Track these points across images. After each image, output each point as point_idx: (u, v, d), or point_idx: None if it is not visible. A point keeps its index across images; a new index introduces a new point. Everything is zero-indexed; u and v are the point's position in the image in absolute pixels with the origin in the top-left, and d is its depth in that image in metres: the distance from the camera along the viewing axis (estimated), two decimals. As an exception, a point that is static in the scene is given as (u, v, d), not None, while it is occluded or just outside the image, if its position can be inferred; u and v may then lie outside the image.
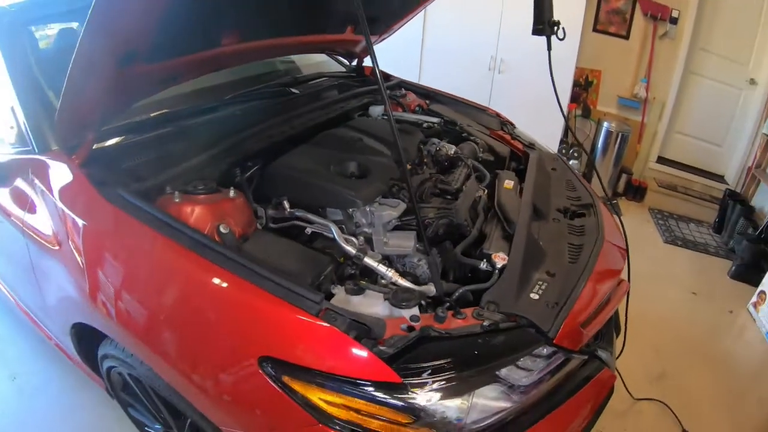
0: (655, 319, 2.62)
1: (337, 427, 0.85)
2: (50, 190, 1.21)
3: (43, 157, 1.25)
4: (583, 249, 1.29)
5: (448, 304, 1.00)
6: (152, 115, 1.44)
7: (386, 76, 2.29)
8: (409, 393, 0.85)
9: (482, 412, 0.90)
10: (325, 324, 0.87)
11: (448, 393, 0.87)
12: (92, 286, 1.09)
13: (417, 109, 2.08)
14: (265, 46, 1.59)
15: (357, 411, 0.85)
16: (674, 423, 1.96)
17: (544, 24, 1.40)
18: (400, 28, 2.15)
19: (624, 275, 1.46)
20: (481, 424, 0.90)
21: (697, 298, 2.93)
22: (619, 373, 1.92)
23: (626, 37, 3.94)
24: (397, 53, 2.38)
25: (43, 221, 1.24)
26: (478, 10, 3.64)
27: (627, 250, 1.49)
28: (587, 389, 1.07)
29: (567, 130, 3.98)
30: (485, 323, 0.95)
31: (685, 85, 4.02)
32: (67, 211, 1.15)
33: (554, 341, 0.97)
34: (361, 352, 0.85)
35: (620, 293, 1.32)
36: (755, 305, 2.78)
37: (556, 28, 1.41)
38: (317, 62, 2.32)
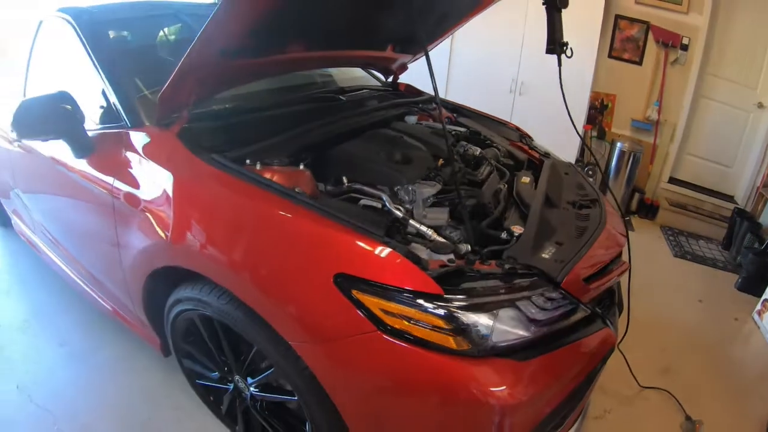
0: (661, 322, 2.78)
1: (390, 334, 1.08)
2: (148, 155, 1.49)
3: (139, 131, 1.55)
4: (587, 229, 1.53)
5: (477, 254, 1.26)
6: (231, 105, 1.76)
7: (419, 92, 2.59)
8: (449, 303, 1.09)
9: (504, 334, 1.12)
10: (388, 249, 1.12)
11: (477, 308, 1.10)
12: (186, 228, 1.34)
13: (446, 120, 2.36)
14: (322, 56, 1.92)
15: (408, 319, 1.08)
16: (678, 410, 2.10)
17: (555, 44, 1.66)
18: (432, 49, 2.45)
19: (625, 258, 1.69)
20: (503, 344, 1.12)
21: (704, 305, 3.09)
22: (626, 361, 2.14)
23: (639, 63, 4.20)
24: (427, 74, 2.67)
25: (134, 181, 1.50)
26: (501, 35, 3.95)
27: (627, 237, 1.72)
28: (591, 338, 1.29)
29: (582, 150, 4.23)
30: (506, 266, 1.20)
31: (695, 109, 4.22)
32: (164, 169, 1.42)
33: (561, 285, 1.21)
34: (413, 271, 1.10)
35: (620, 269, 1.55)
36: (759, 313, 2.93)
37: (565, 47, 1.67)
38: (354, 76, 2.61)
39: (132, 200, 1.51)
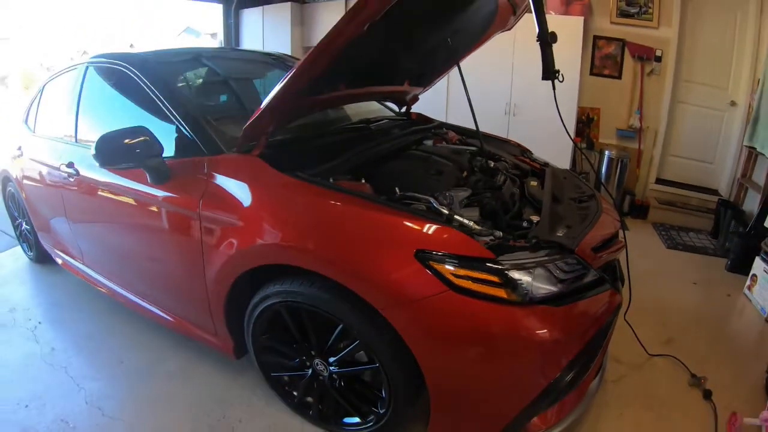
0: (661, 302, 3.11)
1: (459, 291, 1.43)
2: (234, 176, 1.81)
3: (220, 157, 1.88)
4: (588, 215, 1.92)
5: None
6: (293, 135, 2.16)
7: (430, 119, 3.00)
8: (500, 264, 1.46)
9: (539, 289, 1.48)
10: (452, 230, 1.51)
11: (519, 267, 1.47)
12: (287, 229, 1.67)
13: (457, 141, 2.77)
14: (358, 93, 2.36)
15: (471, 279, 1.43)
16: (684, 371, 2.37)
17: (550, 72, 2.08)
18: (439, 81, 2.88)
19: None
20: (539, 295, 1.48)
21: (698, 287, 3.43)
22: (634, 331, 2.48)
23: (619, 77, 4.68)
24: (426, 102, 3.13)
25: (223, 199, 1.80)
26: (493, 63, 4.41)
27: (622, 222, 2.11)
28: (602, 296, 1.66)
29: (574, 161, 4.66)
30: (533, 241, 1.58)
31: (673, 113, 4.66)
32: (254, 186, 1.75)
33: (575, 251, 1.59)
34: (472, 243, 1.49)
35: (617, 245, 1.95)
36: (749, 287, 3.26)
37: (557, 74, 2.08)
38: (370, 110, 3.01)
39: (222, 215, 1.81)
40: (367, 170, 1.97)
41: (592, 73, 4.72)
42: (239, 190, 1.81)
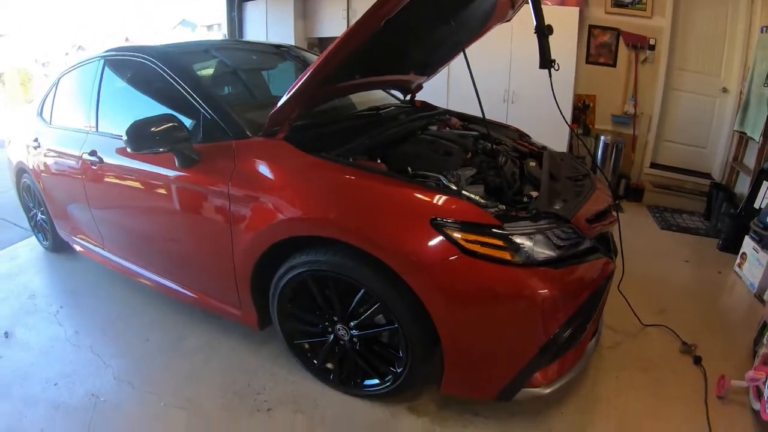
0: (654, 278, 3.32)
1: (470, 255, 1.63)
2: (262, 158, 1.99)
3: (247, 141, 2.06)
4: (583, 191, 2.14)
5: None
6: (313, 120, 2.36)
7: (434, 107, 3.20)
8: (505, 230, 1.67)
9: (539, 253, 1.68)
10: (463, 200, 1.72)
11: (521, 233, 1.68)
12: (314, 203, 1.86)
13: (460, 127, 2.97)
14: (369, 81, 2.55)
15: (480, 243, 1.64)
16: (676, 339, 2.56)
17: (547, 62, 2.27)
18: (442, 70, 3.07)
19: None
20: (539, 258, 1.67)
21: (690, 264, 3.65)
22: (628, 301, 2.69)
23: (614, 65, 4.91)
24: (429, 90, 3.33)
25: (251, 179, 1.97)
26: (492, 53, 4.61)
27: (614, 200, 2.32)
28: (596, 262, 1.86)
29: (570, 146, 4.87)
30: (533, 212, 1.78)
31: (667, 100, 4.89)
32: (281, 166, 1.95)
33: (570, 221, 1.80)
34: (480, 213, 1.70)
35: (610, 219, 2.17)
36: (739, 265, 3.48)
37: (553, 63, 2.28)
38: (376, 97, 3.19)
39: (251, 193, 1.99)
40: (380, 152, 2.17)
41: (588, 62, 4.95)
42: (267, 170, 2.00)
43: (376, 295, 1.85)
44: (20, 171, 3.71)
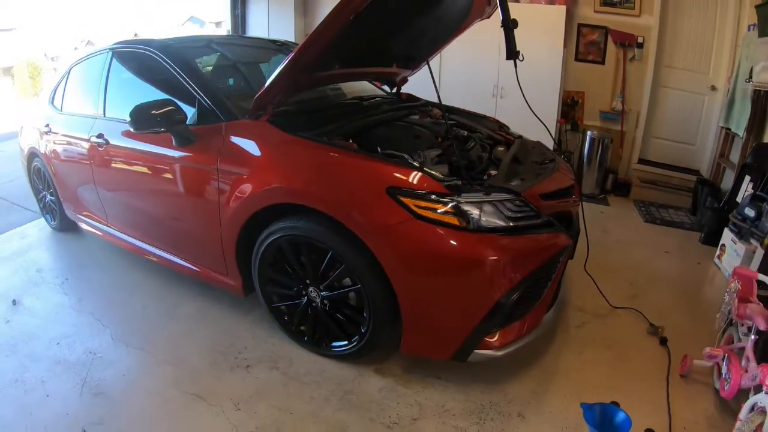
0: (630, 265, 3.47)
1: (421, 219, 1.84)
2: (248, 137, 2.24)
3: (236, 122, 2.31)
4: (544, 173, 2.34)
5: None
6: (297, 105, 2.58)
7: (417, 98, 3.41)
8: (454, 198, 1.88)
9: (488, 222, 1.89)
10: (418, 172, 1.93)
11: (470, 202, 1.89)
12: (290, 175, 2.09)
13: (440, 117, 3.18)
14: (351, 72, 2.78)
15: (431, 209, 1.85)
16: (644, 323, 2.69)
17: (512, 52, 2.47)
18: (426, 64, 3.28)
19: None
20: (487, 226, 1.88)
21: (670, 255, 3.79)
22: (596, 283, 2.85)
23: (602, 63, 5.09)
24: (420, 85, 3.54)
25: (238, 155, 2.23)
26: (481, 48, 4.81)
27: (576, 180, 2.52)
28: (548, 236, 2.06)
29: (559, 140, 5.05)
30: (486, 184, 2.00)
31: (655, 97, 5.04)
32: (264, 144, 2.19)
33: (521, 195, 2.00)
34: (433, 183, 1.91)
35: (571, 200, 2.37)
36: (719, 257, 3.61)
37: (519, 54, 2.48)
38: (363, 89, 3.44)
39: (237, 167, 2.24)
40: (355, 135, 2.39)
41: (577, 59, 5.13)
42: (251, 147, 2.26)
43: (342, 257, 2.06)
44: (31, 155, 3.99)
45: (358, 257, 2.01)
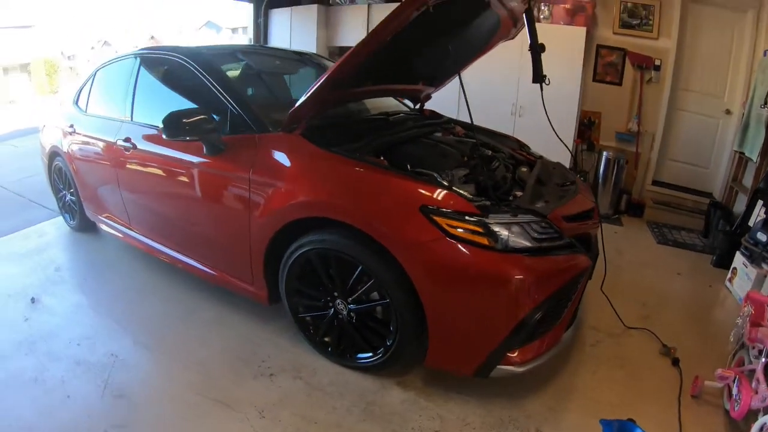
0: (643, 286, 3.53)
1: (452, 238, 1.91)
2: (282, 150, 2.31)
3: (269, 135, 2.37)
4: (566, 195, 2.41)
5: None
6: (328, 120, 2.65)
7: (440, 115, 3.48)
8: (484, 219, 1.94)
9: (515, 242, 1.95)
10: (449, 191, 2.00)
11: (498, 223, 1.95)
12: (323, 189, 2.16)
13: (463, 135, 3.25)
14: (380, 89, 2.87)
15: (462, 228, 1.91)
16: (657, 342, 2.74)
17: (539, 76, 2.55)
18: (449, 82, 3.37)
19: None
20: (515, 247, 1.95)
21: (682, 277, 3.84)
22: (611, 303, 2.92)
23: (620, 84, 5.16)
24: (441, 102, 3.64)
25: (271, 167, 2.29)
26: (501, 68, 4.89)
27: (596, 202, 2.59)
28: (570, 257, 2.13)
29: (575, 160, 5.12)
30: (513, 205, 2.06)
31: (671, 119, 5.11)
32: (297, 157, 2.26)
33: (547, 218, 2.07)
34: (463, 203, 1.98)
35: (591, 222, 2.43)
36: (730, 280, 3.65)
37: (545, 78, 2.56)
38: (388, 105, 3.51)
39: (269, 179, 2.31)
40: (384, 151, 2.46)
41: (594, 80, 5.21)
42: (285, 160, 2.32)
43: (372, 272, 2.13)
44: (53, 154, 4.06)
45: (389, 272, 2.07)
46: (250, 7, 7.00)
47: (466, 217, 1.96)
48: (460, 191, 2.08)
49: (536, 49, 2.51)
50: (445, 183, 2.15)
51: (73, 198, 3.95)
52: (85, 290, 3.21)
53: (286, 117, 2.35)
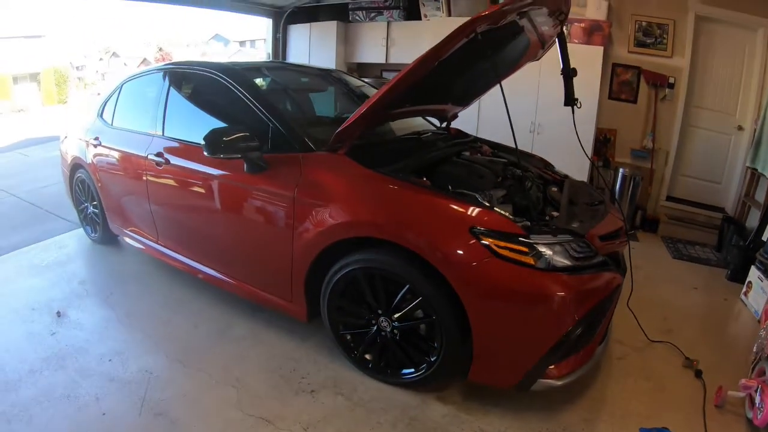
0: (662, 301, 3.63)
1: (500, 258, 2.00)
2: (327, 169, 2.40)
3: (313, 154, 2.46)
4: (597, 215, 2.53)
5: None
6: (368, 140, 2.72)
7: (466, 134, 3.59)
8: (530, 239, 2.04)
9: (557, 261, 2.05)
10: (496, 213, 2.11)
11: (543, 243, 2.05)
12: (373, 209, 2.25)
13: (490, 154, 3.36)
14: (414, 110, 3.00)
15: (509, 249, 2.01)
16: (679, 355, 2.84)
17: (571, 99, 2.66)
18: (475, 102, 3.48)
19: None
20: (557, 266, 2.04)
21: (698, 291, 3.96)
22: (636, 318, 3.01)
23: (635, 102, 5.30)
24: (459, 120, 3.77)
25: (316, 186, 2.37)
26: (520, 87, 4.96)
27: (624, 221, 2.70)
28: (606, 274, 2.23)
29: (591, 177, 5.23)
30: (553, 227, 2.16)
31: (684, 136, 5.25)
32: (344, 177, 2.35)
33: (585, 237, 2.18)
34: (510, 224, 2.08)
35: (621, 240, 2.56)
36: (745, 293, 3.77)
37: (577, 101, 2.67)
38: (413, 123, 3.63)
39: (316, 199, 2.37)
40: (424, 171, 2.57)
41: (610, 98, 5.36)
42: (331, 180, 2.41)
43: (419, 290, 2.21)
44: (76, 166, 4.13)
45: (437, 291, 2.16)
46: (266, 21, 7.15)
47: (514, 238, 2.06)
48: (504, 212, 2.18)
49: (569, 74, 2.62)
50: (487, 204, 2.24)
51: (96, 210, 4.01)
52: (112, 304, 3.23)
53: (332, 136, 2.44)
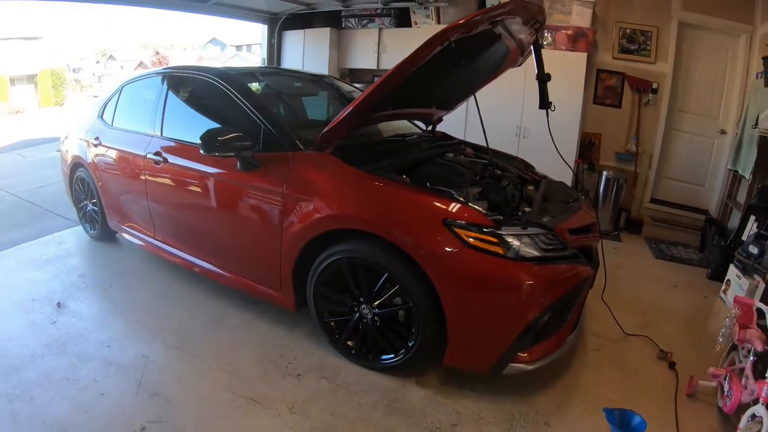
0: (641, 298, 3.79)
1: (471, 248, 2.18)
2: (314, 167, 2.58)
3: (301, 153, 2.64)
4: (569, 211, 2.71)
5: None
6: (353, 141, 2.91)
7: (450, 137, 3.79)
8: (498, 231, 2.22)
9: (526, 251, 2.22)
10: (468, 206, 2.28)
11: (512, 234, 2.23)
12: (354, 203, 2.42)
13: (473, 155, 3.54)
14: (398, 113, 3.18)
15: (479, 239, 2.18)
16: (654, 349, 2.97)
17: (545, 103, 2.84)
18: (460, 106, 3.67)
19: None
20: (526, 256, 2.22)
21: (678, 289, 4.11)
22: (611, 311, 3.18)
23: (619, 107, 5.51)
24: (448, 124, 3.96)
25: (303, 183, 2.55)
26: (507, 92, 5.22)
27: (597, 218, 2.88)
28: (572, 266, 2.39)
29: (576, 180, 5.42)
30: (524, 220, 2.34)
31: (668, 140, 5.45)
32: (330, 174, 2.53)
33: (554, 230, 2.35)
34: (480, 216, 2.25)
35: (592, 235, 2.73)
36: (724, 291, 3.92)
37: (551, 104, 2.86)
38: (402, 126, 3.81)
39: (304, 194, 2.56)
40: (406, 170, 2.75)
41: (595, 102, 5.56)
42: (318, 177, 2.60)
43: (398, 278, 2.39)
44: (76, 165, 4.31)
45: (413, 278, 2.34)
46: (262, 27, 7.37)
47: (483, 229, 2.24)
48: (476, 206, 2.36)
49: (543, 79, 2.81)
50: (462, 199, 2.42)
51: (95, 208, 4.19)
52: (111, 296, 3.41)
53: (318, 136, 2.63)
